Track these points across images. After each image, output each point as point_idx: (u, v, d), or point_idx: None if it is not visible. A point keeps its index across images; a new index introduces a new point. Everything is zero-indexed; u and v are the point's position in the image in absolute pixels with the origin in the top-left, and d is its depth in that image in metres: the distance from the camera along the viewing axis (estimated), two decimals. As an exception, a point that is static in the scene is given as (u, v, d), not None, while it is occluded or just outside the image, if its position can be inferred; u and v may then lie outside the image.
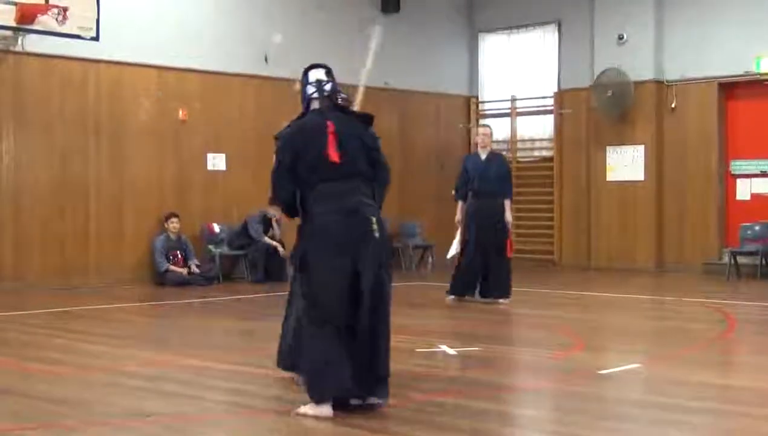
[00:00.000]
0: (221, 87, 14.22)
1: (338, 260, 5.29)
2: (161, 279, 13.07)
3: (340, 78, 5.80)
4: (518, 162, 17.04)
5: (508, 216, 10.99)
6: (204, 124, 14.09)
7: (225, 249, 13.99)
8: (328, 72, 5.75)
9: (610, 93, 15.73)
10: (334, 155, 5.43)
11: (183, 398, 5.90)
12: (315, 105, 5.67)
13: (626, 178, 15.90)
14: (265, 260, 13.75)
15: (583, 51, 16.33)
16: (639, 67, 15.58)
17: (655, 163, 15.63)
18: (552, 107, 16.92)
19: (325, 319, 5.28)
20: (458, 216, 11.16)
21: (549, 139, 17.06)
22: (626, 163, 15.91)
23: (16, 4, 11.80)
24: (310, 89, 5.68)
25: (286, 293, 6.26)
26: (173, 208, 13.49)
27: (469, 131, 17.49)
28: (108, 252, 13.10)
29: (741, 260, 14.40)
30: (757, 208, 14.84)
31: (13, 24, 11.88)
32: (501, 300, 10.83)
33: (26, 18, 11.85)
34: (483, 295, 10.98)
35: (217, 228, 14.04)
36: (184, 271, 13.20)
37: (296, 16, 14.86)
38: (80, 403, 5.73)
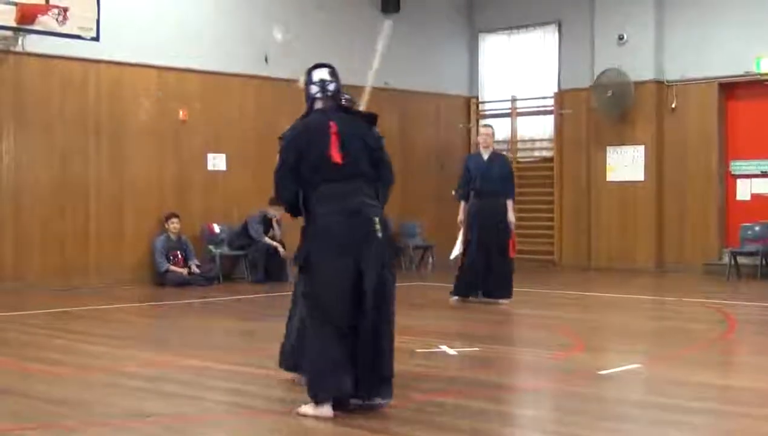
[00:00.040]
0: (221, 87, 14.22)
1: (341, 260, 5.30)
2: (161, 279, 13.07)
3: (340, 78, 5.79)
4: (518, 162, 17.02)
5: (512, 216, 10.98)
6: (204, 125, 14.09)
7: (225, 249, 13.98)
8: (332, 72, 5.71)
9: (610, 93, 15.73)
10: (336, 156, 5.43)
11: (183, 399, 5.90)
12: (318, 105, 5.66)
13: (626, 179, 15.90)
14: (266, 260, 13.75)
15: (584, 51, 16.33)
16: (639, 68, 15.57)
17: (656, 163, 15.63)
18: (552, 107, 16.92)
19: (327, 319, 5.29)
20: (460, 216, 11.15)
21: (549, 140, 17.05)
22: (626, 164, 15.90)
23: (16, 4, 11.80)
24: (314, 89, 5.66)
25: (286, 293, 6.27)
26: (173, 209, 13.48)
27: (469, 131, 17.50)
28: (108, 252, 13.10)
29: (741, 260, 14.39)
30: (757, 209, 14.83)
31: (14, 24, 11.89)
32: (502, 301, 10.84)
33: (26, 18, 11.86)
34: (485, 295, 10.99)
35: (217, 228, 14.04)
36: (185, 271, 13.20)
37: (296, 17, 14.84)
38: (80, 403, 5.73)
